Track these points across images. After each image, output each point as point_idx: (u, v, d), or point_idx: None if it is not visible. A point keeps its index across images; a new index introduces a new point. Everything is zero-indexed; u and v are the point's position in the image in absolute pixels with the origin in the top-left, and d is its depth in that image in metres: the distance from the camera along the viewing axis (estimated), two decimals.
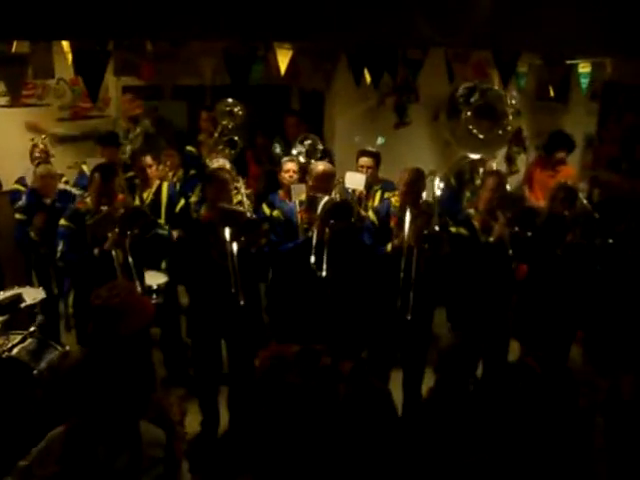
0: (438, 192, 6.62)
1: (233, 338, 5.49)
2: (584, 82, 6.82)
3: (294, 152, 7.72)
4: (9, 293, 5.80)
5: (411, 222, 5.36)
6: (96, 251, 5.20)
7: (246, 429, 3.14)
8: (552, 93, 6.35)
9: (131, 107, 8.27)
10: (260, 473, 3.12)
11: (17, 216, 7.00)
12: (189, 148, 7.99)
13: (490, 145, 7.58)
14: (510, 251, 5.23)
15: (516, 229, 5.38)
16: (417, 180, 5.66)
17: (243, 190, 6.40)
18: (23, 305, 5.68)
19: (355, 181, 6.53)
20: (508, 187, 6.88)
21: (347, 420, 2.89)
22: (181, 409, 3.76)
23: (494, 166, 7.57)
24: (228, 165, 6.97)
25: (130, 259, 5.24)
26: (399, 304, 5.31)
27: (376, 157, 6.96)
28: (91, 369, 3.15)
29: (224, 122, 7.92)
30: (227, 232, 5.09)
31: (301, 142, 7.76)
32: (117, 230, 5.17)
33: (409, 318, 5.26)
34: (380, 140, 7.96)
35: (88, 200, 5.59)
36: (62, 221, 5.51)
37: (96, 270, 5.11)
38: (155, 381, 3.60)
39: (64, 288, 6.90)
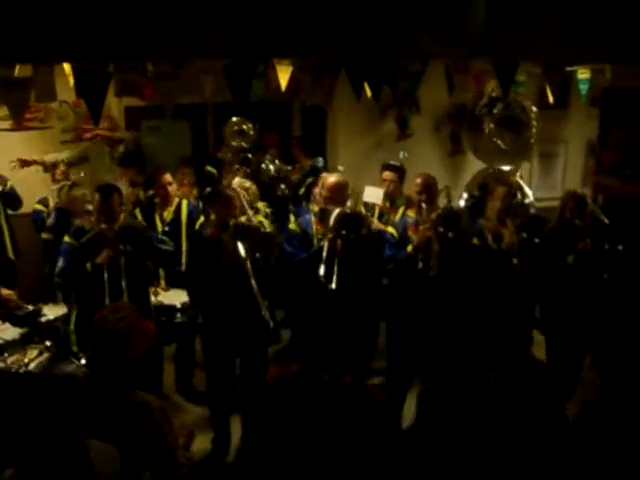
0: (462, 203, 6.67)
1: (248, 356, 5.47)
2: (584, 88, 6.83)
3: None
4: (29, 307, 5.87)
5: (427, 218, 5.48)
6: (88, 265, 5.27)
7: (253, 449, 3.12)
8: (552, 100, 6.35)
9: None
10: None
11: (44, 235, 7.21)
12: (209, 168, 8.04)
13: (513, 156, 7.62)
14: (515, 260, 5.25)
15: (524, 236, 5.40)
16: (429, 182, 5.80)
17: (262, 210, 6.53)
18: (44, 319, 5.74)
19: (373, 195, 6.55)
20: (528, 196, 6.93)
21: (348, 434, 2.89)
22: (187, 432, 3.74)
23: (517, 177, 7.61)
24: (248, 184, 7.08)
25: (123, 277, 5.30)
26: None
27: (400, 172, 6.99)
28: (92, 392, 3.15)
29: (234, 143, 7.99)
30: (241, 248, 5.10)
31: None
32: (110, 247, 5.29)
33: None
34: (402, 154, 7.97)
35: (93, 218, 5.66)
36: (65, 238, 5.61)
37: (93, 287, 5.20)
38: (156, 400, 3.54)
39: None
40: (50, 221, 7.13)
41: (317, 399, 2.83)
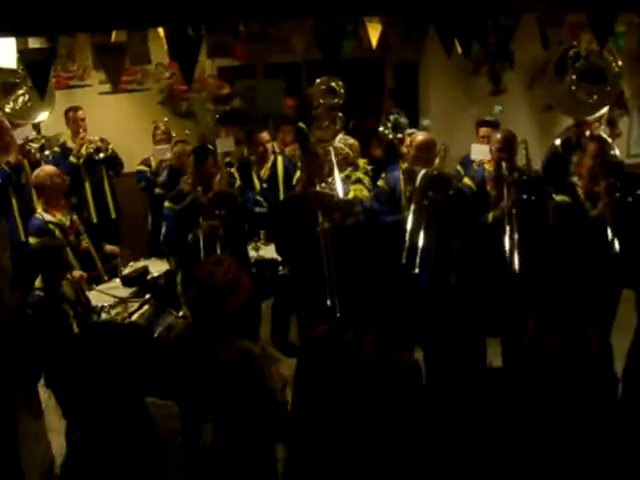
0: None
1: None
2: None
3: (380, 129, 7.81)
4: (138, 265, 6.14)
5: (507, 184, 5.33)
6: (190, 237, 5.40)
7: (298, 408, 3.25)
8: None
9: (217, 88, 8.50)
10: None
11: (156, 191, 7.48)
12: (300, 124, 8.13)
13: (593, 108, 7.39)
14: (609, 230, 5.04)
15: (617, 195, 5.21)
16: (509, 139, 5.64)
17: (362, 167, 6.57)
18: (149, 277, 6.00)
19: (480, 152, 6.51)
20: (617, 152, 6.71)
21: (370, 390, 2.97)
22: (283, 378, 3.88)
23: (601, 131, 7.36)
24: (351, 140, 7.13)
25: (218, 240, 5.41)
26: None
27: (496, 127, 6.98)
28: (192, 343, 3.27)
29: (323, 101, 7.97)
30: (319, 214, 5.19)
31: (387, 118, 7.84)
32: (206, 216, 5.43)
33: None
34: (497, 109, 7.90)
35: (189, 181, 5.81)
36: (166, 203, 5.73)
37: (193, 250, 5.35)
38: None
39: None
40: (162, 178, 7.40)
41: (342, 358, 2.92)
